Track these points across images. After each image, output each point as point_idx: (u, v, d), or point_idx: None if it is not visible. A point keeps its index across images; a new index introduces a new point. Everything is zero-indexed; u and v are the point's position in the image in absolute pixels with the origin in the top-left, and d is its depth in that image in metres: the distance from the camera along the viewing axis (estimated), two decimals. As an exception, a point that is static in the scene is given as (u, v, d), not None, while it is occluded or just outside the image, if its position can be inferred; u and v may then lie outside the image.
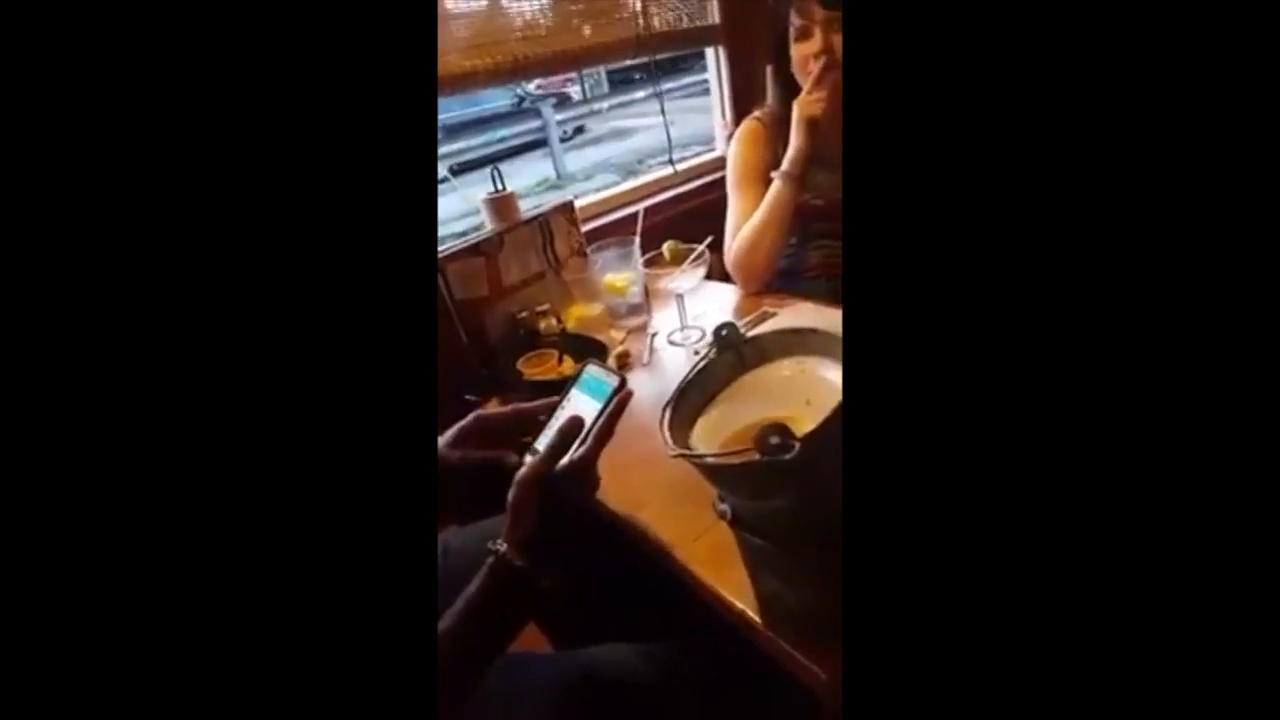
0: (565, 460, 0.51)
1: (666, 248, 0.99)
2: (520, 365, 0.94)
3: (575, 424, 0.53)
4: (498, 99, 6.32)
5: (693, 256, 0.93)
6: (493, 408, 0.88)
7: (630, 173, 4.92)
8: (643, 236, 1.05)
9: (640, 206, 1.17)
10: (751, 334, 0.51)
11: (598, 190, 1.50)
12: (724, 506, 0.46)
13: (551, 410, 0.60)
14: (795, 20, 0.96)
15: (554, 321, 1.05)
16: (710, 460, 0.40)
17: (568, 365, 0.94)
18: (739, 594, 0.53)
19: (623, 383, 0.55)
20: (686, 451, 0.41)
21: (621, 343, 1.00)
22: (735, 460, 0.38)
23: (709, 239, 0.95)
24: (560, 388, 0.58)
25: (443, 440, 0.63)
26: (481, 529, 0.82)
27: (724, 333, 0.50)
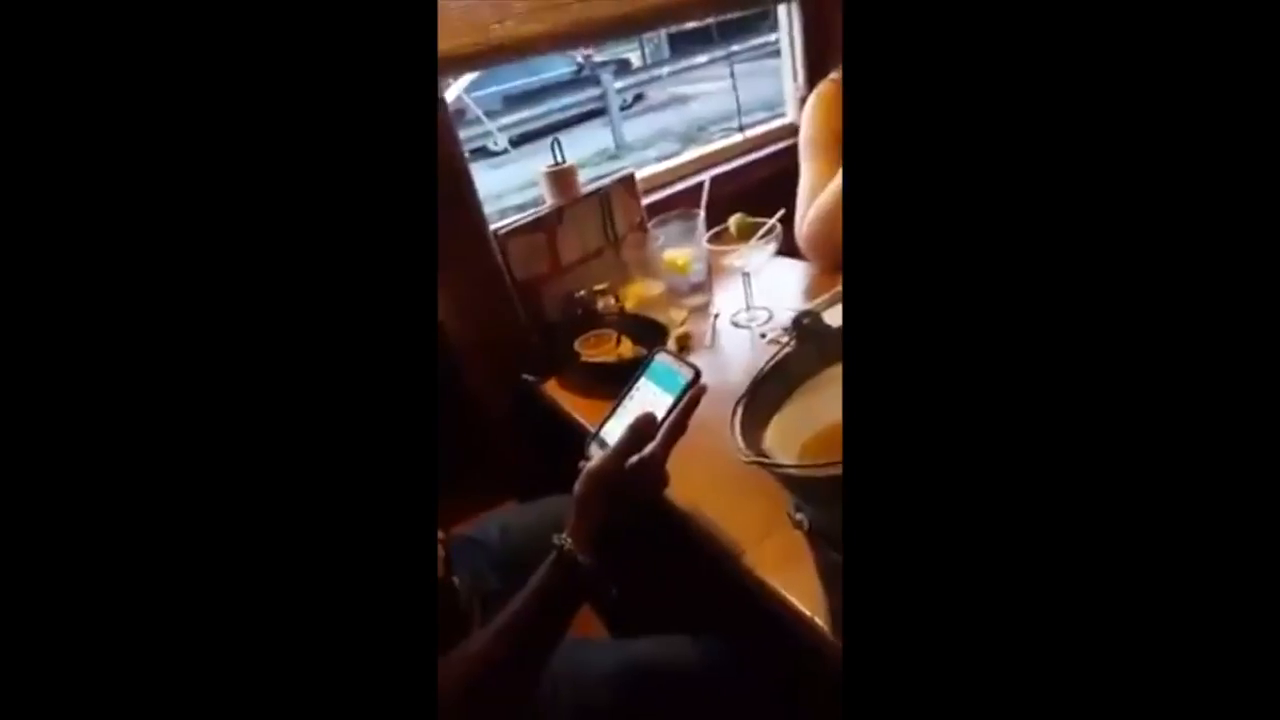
0: (635, 458, 0.50)
1: (733, 221, 0.92)
2: (578, 346, 0.91)
3: (648, 420, 0.51)
4: (556, 67, 6.25)
5: (762, 231, 0.87)
6: (555, 392, 0.87)
7: (690, 141, 4.79)
8: (708, 209, 0.99)
9: (705, 177, 1.10)
10: (838, 324, 0.45)
11: (657, 160, 1.43)
12: (801, 515, 0.42)
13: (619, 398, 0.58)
14: None
15: (612, 301, 1.01)
16: (792, 472, 0.35)
17: (626, 347, 0.90)
18: (809, 602, 0.49)
19: (697, 376, 0.52)
20: (763, 459, 0.37)
21: (682, 324, 0.95)
22: (821, 474, 0.34)
23: (780, 212, 0.88)
24: (617, 371, 0.55)
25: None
26: (540, 508, 0.83)
27: (805, 321, 0.45)
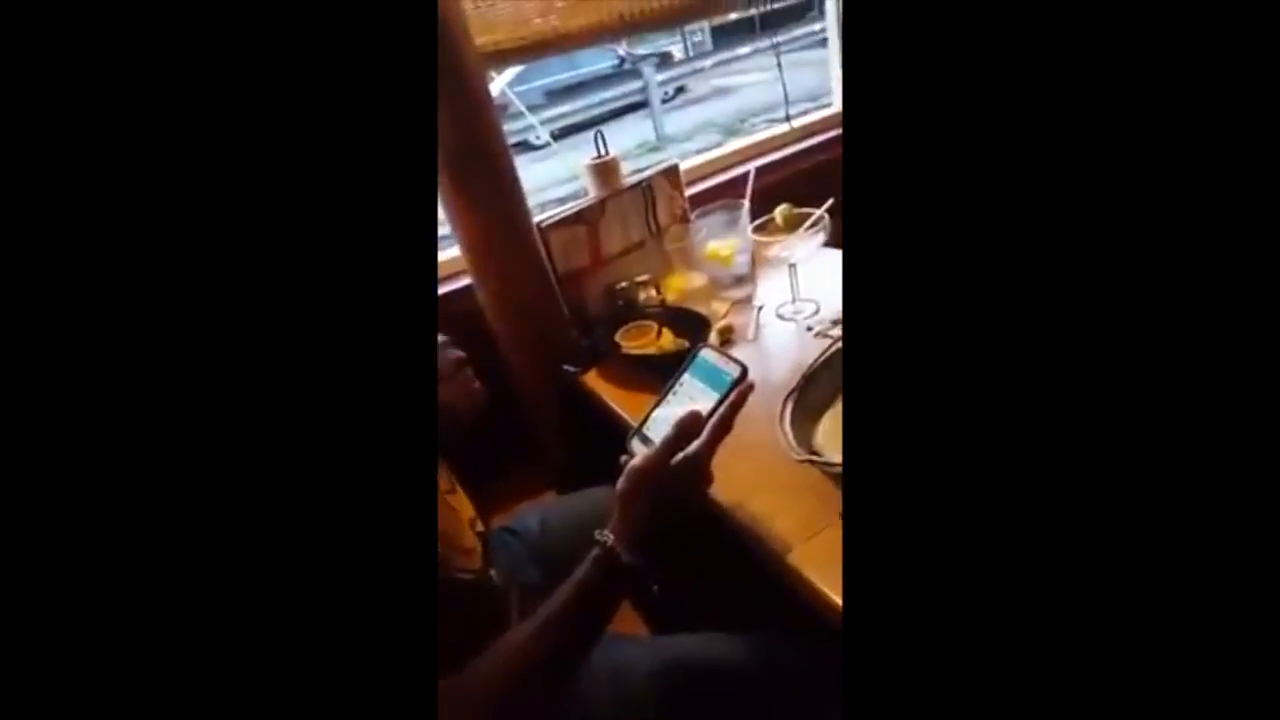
0: (680, 456, 0.48)
1: (779, 212, 0.90)
2: (619, 338, 0.91)
3: (694, 418, 0.50)
4: (598, 61, 6.26)
5: (809, 221, 0.84)
6: (595, 385, 0.87)
7: (732, 133, 4.73)
8: (752, 200, 0.96)
9: (750, 167, 1.08)
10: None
11: (698, 152, 1.41)
12: (853, 518, 0.39)
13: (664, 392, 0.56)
14: None
15: (654, 293, 1.00)
16: (847, 471, 0.34)
17: (666, 339, 0.89)
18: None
19: (744, 373, 0.51)
20: (816, 458, 0.35)
21: (724, 316, 0.93)
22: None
23: (829, 202, 0.85)
24: (658, 363, 0.54)
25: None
26: (580, 500, 0.83)
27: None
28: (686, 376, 0.55)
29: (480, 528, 0.65)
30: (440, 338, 0.62)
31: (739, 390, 0.50)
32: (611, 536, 0.47)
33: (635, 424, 0.56)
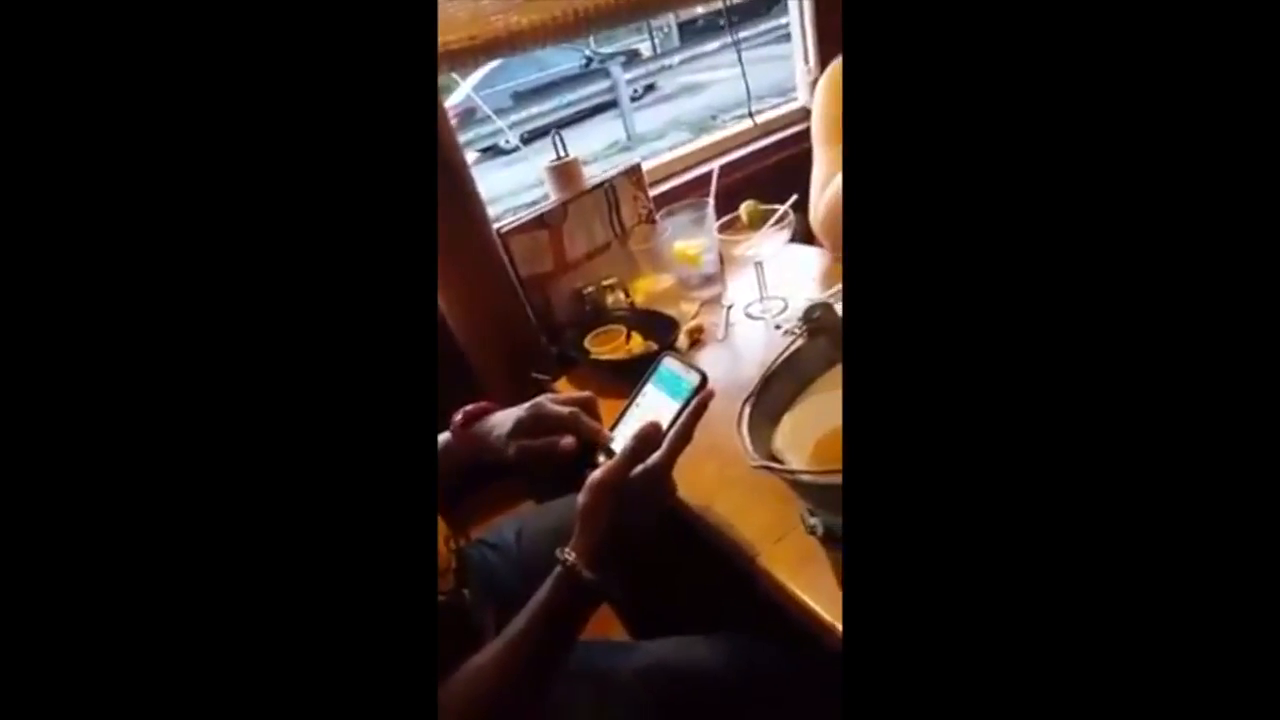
0: (640, 467, 0.48)
1: (744, 209, 0.89)
2: (588, 343, 0.90)
3: (653, 430, 0.49)
4: (565, 61, 6.22)
5: (774, 218, 0.84)
6: (565, 390, 0.86)
7: (703, 130, 4.74)
8: (717, 198, 0.96)
9: (714, 165, 1.07)
10: (850, 315, 0.42)
11: (670, 149, 1.40)
12: (815, 521, 0.39)
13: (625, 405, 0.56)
14: None
15: (621, 296, 0.99)
16: (804, 478, 0.33)
17: (636, 343, 0.88)
18: (829, 606, 0.47)
19: (703, 381, 0.50)
20: (772, 465, 0.34)
21: (694, 317, 0.93)
22: (831, 480, 0.31)
23: (793, 198, 0.85)
24: (628, 368, 0.53)
25: (503, 430, 0.60)
26: (558, 509, 0.82)
27: (816, 315, 0.42)
28: (649, 387, 0.54)
29: (454, 545, 0.64)
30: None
31: (699, 399, 0.49)
32: (573, 554, 0.47)
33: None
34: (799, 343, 0.43)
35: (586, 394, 0.59)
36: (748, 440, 0.37)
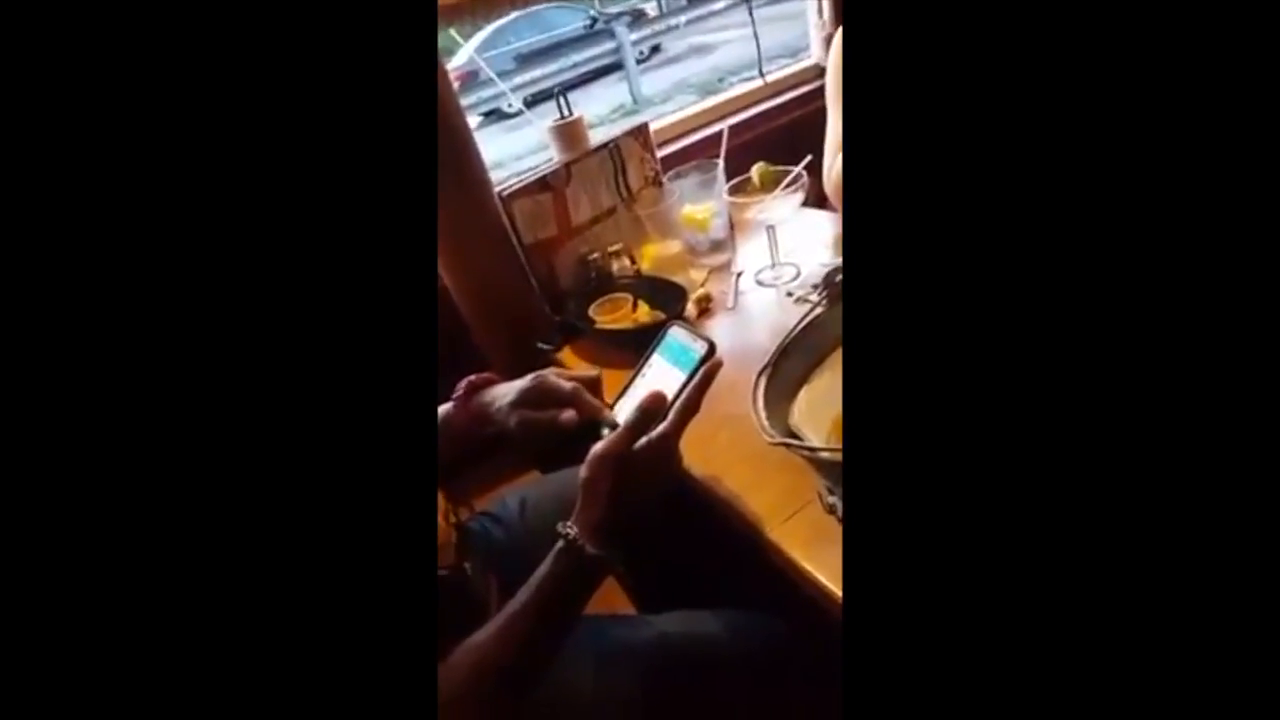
0: (644, 440, 0.46)
1: (756, 171, 0.85)
2: (593, 312, 0.87)
3: (657, 400, 0.47)
4: (569, 22, 6.04)
5: (787, 181, 0.80)
6: (570, 361, 0.84)
7: (710, 92, 4.61)
8: (728, 159, 0.92)
9: (724, 125, 1.02)
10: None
11: (676, 112, 1.35)
12: (834, 499, 0.37)
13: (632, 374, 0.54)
14: None
15: (628, 262, 0.95)
16: (824, 455, 0.30)
17: (643, 311, 0.85)
18: (840, 583, 0.45)
19: (711, 350, 0.48)
20: (790, 441, 0.32)
21: (702, 284, 0.90)
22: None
23: (806, 159, 0.81)
24: (634, 338, 0.51)
25: (505, 401, 0.58)
26: (562, 479, 0.81)
27: (838, 279, 0.39)
28: (656, 357, 0.52)
29: (454, 519, 0.63)
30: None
31: (706, 369, 0.47)
32: (575, 529, 0.45)
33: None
34: (817, 311, 0.40)
35: (593, 374, 0.57)
36: (763, 415, 0.34)
